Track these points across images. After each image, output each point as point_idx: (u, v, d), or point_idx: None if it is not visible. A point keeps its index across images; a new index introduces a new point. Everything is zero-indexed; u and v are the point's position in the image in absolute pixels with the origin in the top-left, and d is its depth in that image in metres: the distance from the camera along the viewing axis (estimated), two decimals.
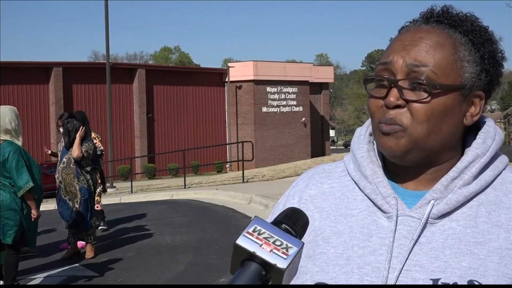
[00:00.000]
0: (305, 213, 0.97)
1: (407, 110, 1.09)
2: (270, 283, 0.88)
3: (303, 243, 0.91)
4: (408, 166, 1.13)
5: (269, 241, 0.89)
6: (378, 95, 1.12)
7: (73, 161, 8.16)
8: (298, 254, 0.89)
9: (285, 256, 0.87)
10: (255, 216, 0.93)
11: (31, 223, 6.38)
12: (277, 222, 0.93)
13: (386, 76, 1.11)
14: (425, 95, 1.08)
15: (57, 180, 8.27)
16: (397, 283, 1.05)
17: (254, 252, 0.87)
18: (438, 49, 1.10)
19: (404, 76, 1.09)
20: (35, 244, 6.85)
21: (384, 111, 1.11)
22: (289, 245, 0.89)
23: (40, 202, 6.56)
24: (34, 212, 6.29)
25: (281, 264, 0.87)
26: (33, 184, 6.19)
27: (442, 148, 1.12)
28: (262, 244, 0.88)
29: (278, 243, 0.89)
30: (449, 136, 1.11)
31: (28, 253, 8.39)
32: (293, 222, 0.94)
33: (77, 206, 8.15)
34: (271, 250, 0.88)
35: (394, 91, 1.09)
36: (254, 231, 0.90)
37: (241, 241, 0.89)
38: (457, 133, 1.13)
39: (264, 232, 0.90)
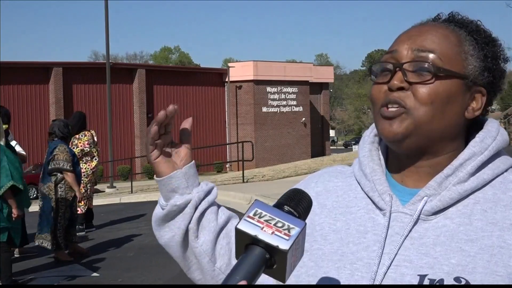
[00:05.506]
0: (308, 194, 0.96)
1: (411, 93, 1.10)
2: (274, 267, 0.87)
3: (306, 223, 0.89)
4: (407, 155, 1.13)
5: (271, 223, 0.87)
6: (382, 80, 1.13)
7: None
8: (301, 234, 0.88)
9: (287, 237, 0.86)
10: (256, 200, 0.92)
11: (14, 223, 6.30)
12: (279, 205, 0.93)
13: (392, 61, 1.12)
14: (429, 76, 1.08)
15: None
16: (385, 278, 1.06)
17: (255, 235, 0.86)
18: (443, 39, 1.12)
19: (410, 60, 1.11)
20: (18, 245, 6.84)
21: (387, 94, 1.11)
22: (291, 226, 0.88)
23: (22, 201, 6.50)
24: (14, 212, 6.20)
25: (284, 245, 0.86)
26: (12, 183, 6.10)
27: (443, 137, 1.11)
28: (263, 227, 0.87)
29: (279, 225, 0.88)
30: (450, 124, 1.11)
31: (28, 253, 8.38)
32: (296, 204, 0.93)
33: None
34: (272, 232, 0.86)
35: (399, 74, 1.10)
36: (255, 214, 0.89)
37: (242, 225, 0.88)
38: (458, 124, 1.13)
39: (265, 215, 0.89)
